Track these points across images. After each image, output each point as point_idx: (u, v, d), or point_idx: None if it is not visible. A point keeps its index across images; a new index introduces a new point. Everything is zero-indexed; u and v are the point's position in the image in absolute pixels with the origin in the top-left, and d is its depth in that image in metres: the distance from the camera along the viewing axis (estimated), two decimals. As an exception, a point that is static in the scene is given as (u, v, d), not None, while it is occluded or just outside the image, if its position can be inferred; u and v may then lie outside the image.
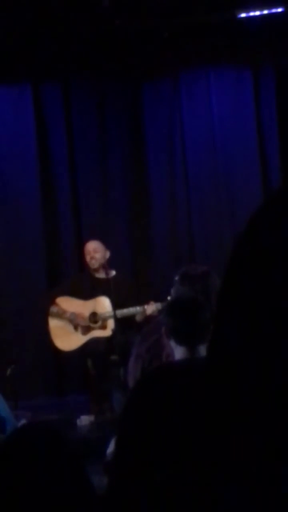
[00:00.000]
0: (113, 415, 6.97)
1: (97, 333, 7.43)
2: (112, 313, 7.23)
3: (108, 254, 7.57)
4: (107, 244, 7.72)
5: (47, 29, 8.13)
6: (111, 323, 7.30)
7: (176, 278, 4.32)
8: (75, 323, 7.48)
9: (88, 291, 7.54)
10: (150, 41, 8.52)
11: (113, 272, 7.47)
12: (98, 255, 7.57)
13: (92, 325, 7.46)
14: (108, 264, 7.49)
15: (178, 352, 3.56)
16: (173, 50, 8.60)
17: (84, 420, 7.19)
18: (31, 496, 1.47)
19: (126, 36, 8.42)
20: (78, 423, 7.18)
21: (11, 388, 7.28)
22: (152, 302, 7.15)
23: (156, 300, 7.14)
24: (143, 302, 7.38)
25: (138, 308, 7.24)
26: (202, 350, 3.49)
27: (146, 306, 7.19)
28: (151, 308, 7.12)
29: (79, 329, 7.49)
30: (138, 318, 7.23)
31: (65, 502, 1.47)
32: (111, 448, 3.93)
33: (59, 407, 7.86)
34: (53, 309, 7.53)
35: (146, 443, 1.00)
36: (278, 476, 0.78)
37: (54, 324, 7.53)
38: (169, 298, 4.65)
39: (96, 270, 7.59)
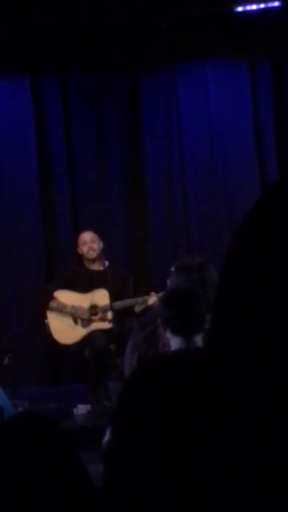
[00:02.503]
0: (110, 404, 6.98)
1: (98, 325, 7.41)
2: (112, 305, 7.22)
3: (102, 245, 7.55)
4: (103, 234, 7.71)
5: (45, 21, 8.12)
6: (111, 315, 7.29)
7: (172, 269, 4.32)
8: (75, 317, 7.46)
9: (84, 284, 7.50)
10: (148, 33, 8.52)
11: (106, 263, 7.41)
12: (95, 245, 7.53)
13: (92, 317, 7.44)
14: (102, 255, 7.48)
15: (174, 343, 3.57)
16: (170, 43, 8.59)
17: (81, 409, 7.20)
18: (21, 486, 1.46)
19: (124, 28, 8.41)
20: (74, 412, 7.19)
21: (9, 376, 7.30)
22: (153, 293, 7.09)
23: (155, 291, 7.11)
24: (140, 293, 7.36)
25: (138, 299, 7.23)
26: (198, 341, 3.49)
27: (146, 297, 7.18)
28: (152, 299, 7.06)
29: (79, 322, 7.47)
30: (137, 309, 7.18)
31: (58, 490, 1.47)
32: (107, 437, 3.94)
33: (56, 396, 7.86)
34: (53, 304, 7.47)
35: (142, 432, 1.00)
36: (282, 461, 0.78)
37: (53, 318, 7.49)
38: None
39: (94, 260, 7.55)
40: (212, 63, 8.98)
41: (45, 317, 7.50)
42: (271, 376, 0.78)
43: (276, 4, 8.28)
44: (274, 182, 0.90)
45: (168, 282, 4.34)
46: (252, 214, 0.85)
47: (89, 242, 7.56)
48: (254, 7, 8.29)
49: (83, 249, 7.59)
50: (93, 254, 7.50)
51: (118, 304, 7.22)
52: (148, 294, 7.19)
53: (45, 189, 8.78)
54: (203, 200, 8.98)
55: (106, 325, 7.34)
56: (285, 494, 0.79)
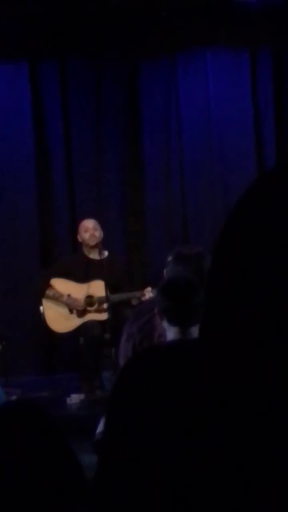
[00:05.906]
0: (103, 393, 6.99)
1: (93, 316, 7.42)
2: (108, 297, 7.21)
3: (102, 235, 7.57)
4: (101, 224, 7.71)
5: (44, 7, 8.10)
6: (106, 305, 7.29)
7: (170, 258, 4.30)
8: (71, 307, 7.46)
9: (81, 272, 7.51)
10: (148, 21, 8.52)
11: (106, 253, 7.43)
12: (97, 233, 7.56)
13: (88, 308, 7.45)
14: (101, 245, 7.48)
15: (170, 333, 3.56)
16: (171, 31, 8.60)
17: (74, 398, 7.22)
18: (12, 474, 1.45)
19: (124, 16, 8.40)
20: (68, 401, 7.21)
21: (2, 365, 7.31)
22: (148, 288, 7.08)
23: (151, 285, 7.07)
24: (137, 284, 7.36)
25: (135, 293, 7.22)
26: (194, 332, 3.48)
27: (142, 292, 7.16)
28: (148, 295, 7.05)
29: (75, 312, 7.48)
30: (135, 302, 7.18)
31: (49, 480, 1.46)
32: (101, 427, 3.94)
33: (49, 385, 7.89)
34: (49, 292, 7.47)
35: (136, 422, 1.00)
36: (277, 454, 0.77)
37: (49, 307, 7.49)
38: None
39: (93, 247, 7.54)
40: (213, 51, 8.99)
41: (40, 303, 7.51)
42: (266, 365, 0.77)
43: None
44: (267, 169, 0.89)
45: (165, 271, 4.33)
46: (243, 201, 0.84)
47: (91, 229, 7.59)
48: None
49: (85, 235, 7.60)
50: (94, 241, 7.52)
51: (115, 297, 7.23)
52: (144, 288, 7.18)
53: (42, 177, 8.78)
54: (201, 189, 8.99)
55: (101, 317, 7.35)
56: (283, 486, 0.77)
